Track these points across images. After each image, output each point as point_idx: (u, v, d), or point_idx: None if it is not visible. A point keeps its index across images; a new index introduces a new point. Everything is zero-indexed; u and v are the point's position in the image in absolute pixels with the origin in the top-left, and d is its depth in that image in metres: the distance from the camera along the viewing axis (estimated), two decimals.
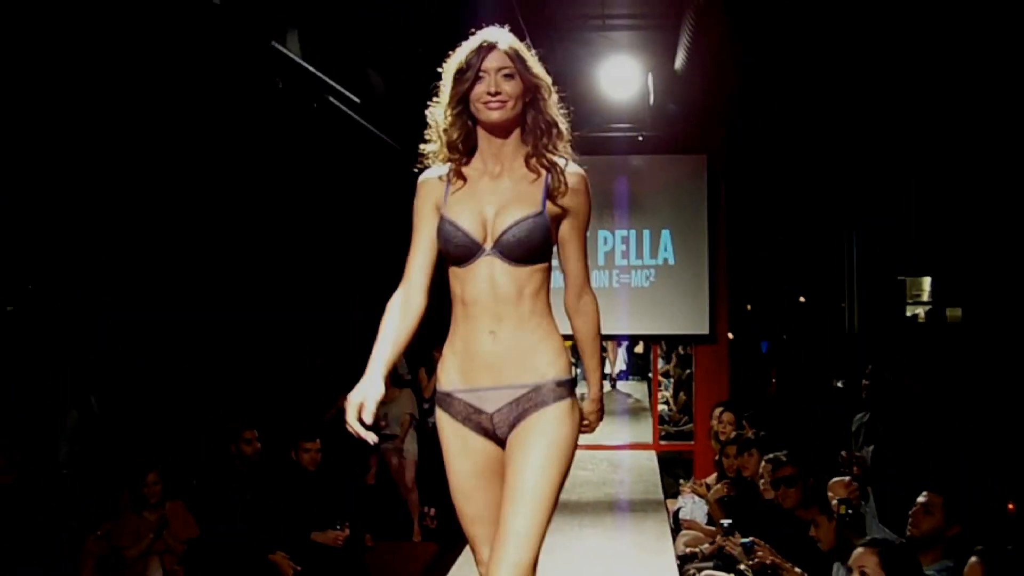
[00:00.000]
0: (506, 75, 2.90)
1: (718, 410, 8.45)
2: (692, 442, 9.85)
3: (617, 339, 13.75)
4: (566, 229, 3.00)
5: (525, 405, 2.91)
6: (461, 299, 2.95)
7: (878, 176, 12.06)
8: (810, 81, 9.73)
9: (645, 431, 10.81)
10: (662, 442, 10.28)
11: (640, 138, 9.76)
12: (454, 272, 2.98)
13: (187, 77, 6.97)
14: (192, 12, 5.67)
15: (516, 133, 2.98)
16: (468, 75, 2.91)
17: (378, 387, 2.86)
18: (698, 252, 9.35)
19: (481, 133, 3.00)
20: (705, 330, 9.37)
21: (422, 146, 3.07)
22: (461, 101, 2.95)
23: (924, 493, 4.82)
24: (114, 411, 7.71)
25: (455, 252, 2.93)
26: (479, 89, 2.90)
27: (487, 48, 2.93)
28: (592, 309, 3.11)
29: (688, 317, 9.37)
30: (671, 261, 9.35)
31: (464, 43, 2.97)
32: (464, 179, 3.00)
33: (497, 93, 2.89)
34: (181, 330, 8.40)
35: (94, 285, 7.90)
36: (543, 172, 2.96)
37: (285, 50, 6.58)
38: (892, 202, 12.39)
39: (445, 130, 2.99)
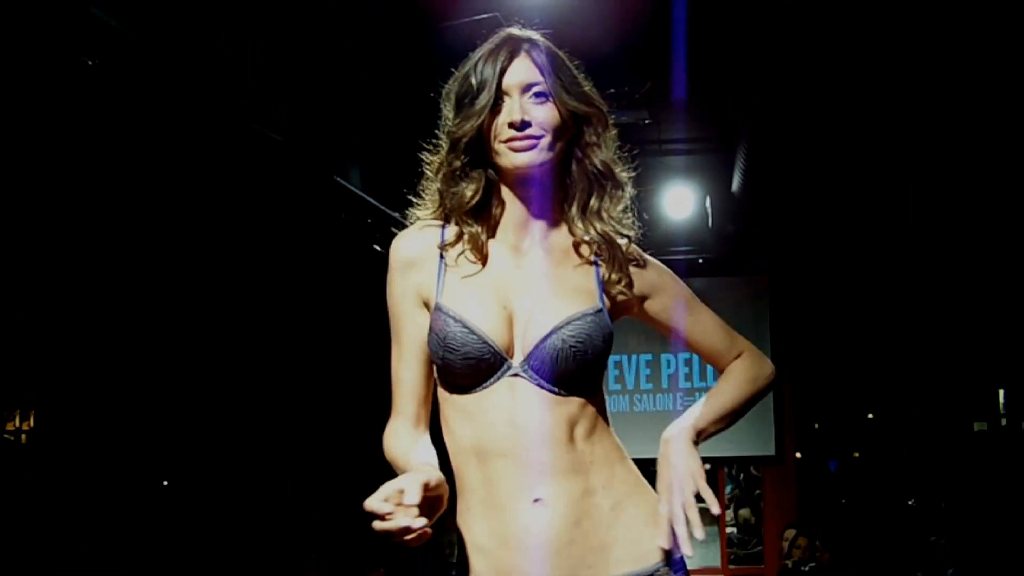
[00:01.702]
0: (537, 95, 1.84)
1: (788, 532, 8.37)
2: (762, 565, 9.69)
3: None
4: (664, 304, 1.98)
5: None
6: (474, 450, 1.79)
7: (948, 288, 11.97)
8: (872, 196, 9.72)
9: (714, 555, 10.66)
10: (731, 566, 10.12)
11: (700, 260, 9.82)
12: (453, 403, 1.84)
13: (252, 210, 7.16)
14: (257, 148, 5.85)
15: (554, 186, 1.90)
16: (482, 100, 1.82)
17: (423, 470, 1.65)
18: None
19: (502, 187, 1.90)
20: (771, 451, 9.29)
21: (410, 211, 1.98)
22: (473, 141, 1.85)
23: None
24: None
25: (461, 368, 1.79)
26: (498, 120, 1.83)
27: (508, 54, 1.85)
28: (763, 365, 2.08)
29: (754, 438, 9.30)
30: None
31: (473, 53, 1.90)
32: (475, 253, 1.88)
33: (525, 124, 1.81)
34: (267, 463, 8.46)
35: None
36: (590, 250, 1.92)
37: (348, 184, 6.77)
38: (963, 315, 12.28)
39: (451, 187, 1.89)
